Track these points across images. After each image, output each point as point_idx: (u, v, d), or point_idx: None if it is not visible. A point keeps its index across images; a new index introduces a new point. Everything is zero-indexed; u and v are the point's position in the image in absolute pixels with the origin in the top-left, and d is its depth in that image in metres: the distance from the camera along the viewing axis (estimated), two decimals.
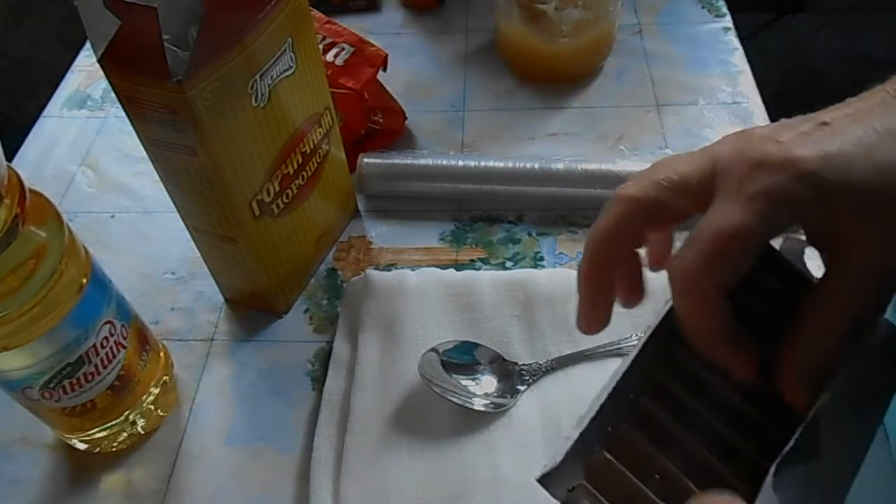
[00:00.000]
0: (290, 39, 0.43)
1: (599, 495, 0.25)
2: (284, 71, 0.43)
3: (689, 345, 0.28)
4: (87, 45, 0.72)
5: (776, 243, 0.30)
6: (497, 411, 0.44)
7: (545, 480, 0.26)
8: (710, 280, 0.26)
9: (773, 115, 0.30)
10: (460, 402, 0.44)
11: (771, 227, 0.25)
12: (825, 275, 0.27)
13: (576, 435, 0.26)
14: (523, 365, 0.46)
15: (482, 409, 0.44)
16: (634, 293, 0.31)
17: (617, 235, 0.28)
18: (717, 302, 0.26)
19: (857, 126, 0.25)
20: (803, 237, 0.28)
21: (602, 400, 0.28)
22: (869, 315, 0.26)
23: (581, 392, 0.43)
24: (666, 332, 0.29)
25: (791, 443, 0.27)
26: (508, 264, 0.53)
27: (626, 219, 0.28)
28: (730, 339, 0.27)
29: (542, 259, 0.54)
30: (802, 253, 0.31)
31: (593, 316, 0.30)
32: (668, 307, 0.30)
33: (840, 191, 0.25)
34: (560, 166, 0.55)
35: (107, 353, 0.41)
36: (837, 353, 0.26)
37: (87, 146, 0.65)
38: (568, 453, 0.26)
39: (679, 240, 0.28)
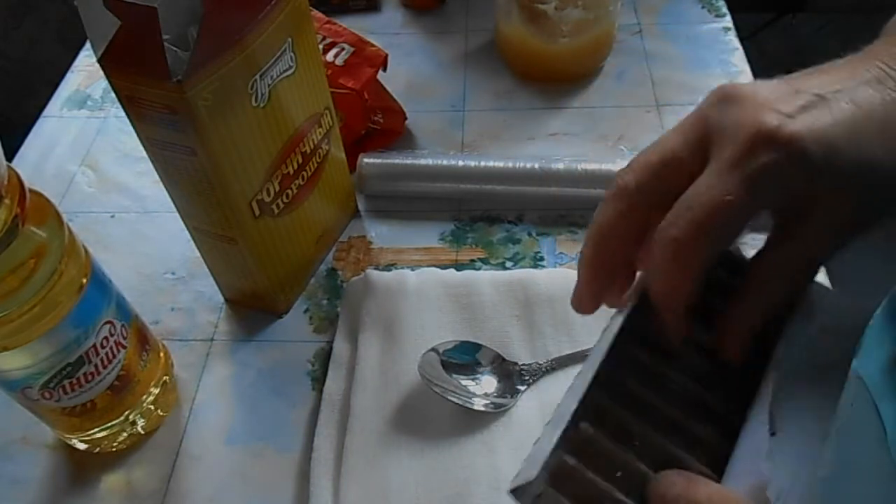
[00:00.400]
0: (290, 39, 0.43)
1: (565, 499, 0.25)
2: (284, 71, 0.43)
3: (643, 340, 0.29)
4: (87, 45, 0.72)
5: None
6: (497, 411, 0.44)
7: (517, 492, 0.26)
8: (700, 252, 0.26)
9: None
10: (460, 402, 0.44)
11: (762, 203, 0.26)
12: (781, 228, 0.27)
13: (547, 450, 0.26)
14: (523, 365, 0.46)
15: (482, 409, 0.44)
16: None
17: (621, 228, 0.28)
18: (699, 274, 0.26)
19: (846, 103, 0.26)
20: None
21: (569, 407, 0.28)
22: (814, 269, 0.28)
23: None
24: (620, 332, 0.29)
25: (750, 425, 0.27)
26: (508, 264, 0.53)
27: (629, 210, 0.28)
28: (688, 314, 0.27)
29: (542, 259, 0.54)
30: (740, 242, 0.32)
31: (590, 298, 0.30)
32: (625, 310, 0.30)
33: (824, 170, 0.25)
34: (560, 166, 0.55)
35: (107, 353, 0.41)
36: (778, 306, 0.28)
37: (87, 146, 0.65)
38: (541, 466, 0.26)
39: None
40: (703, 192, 0.25)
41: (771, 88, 0.27)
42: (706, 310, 0.30)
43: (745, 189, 0.25)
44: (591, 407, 0.28)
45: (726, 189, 0.25)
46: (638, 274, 0.32)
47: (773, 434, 0.27)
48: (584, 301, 0.30)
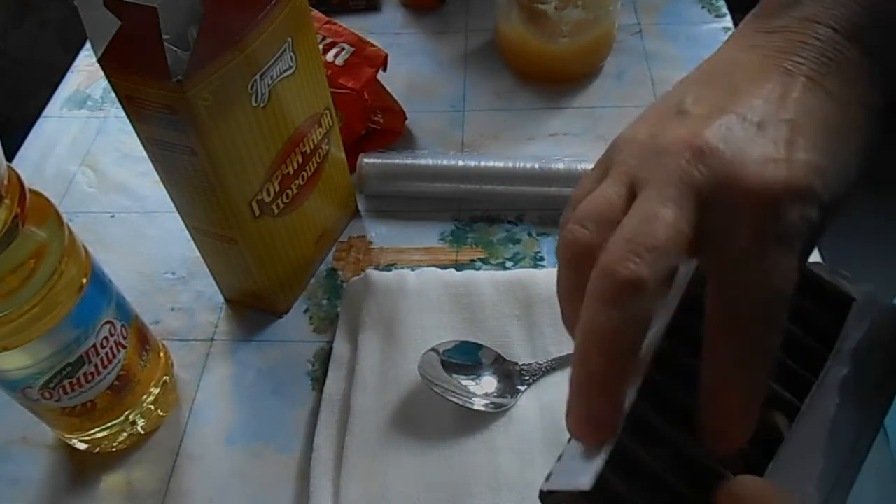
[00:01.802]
0: (290, 39, 0.43)
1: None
2: (284, 71, 0.43)
3: (682, 342, 0.28)
4: (87, 45, 0.72)
5: None
6: (497, 411, 0.44)
7: (550, 497, 0.25)
8: (771, 338, 0.23)
9: None
10: (460, 403, 0.44)
11: (805, 255, 0.24)
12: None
13: (600, 464, 0.25)
14: (523, 365, 0.46)
15: (482, 409, 0.44)
16: None
17: (639, 331, 0.23)
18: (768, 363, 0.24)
19: (811, 123, 0.24)
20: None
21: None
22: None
23: None
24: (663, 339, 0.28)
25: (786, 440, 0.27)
26: (508, 264, 0.53)
27: (645, 308, 0.23)
28: None
29: (542, 259, 0.54)
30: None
31: (610, 420, 0.24)
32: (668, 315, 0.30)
33: (828, 204, 0.24)
34: (560, 166, 0.55)
35: (107, 353, 0.41)
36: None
37: (87, 146, 0.65)
38: (594, 477, 0.25)
39: None
40: (765, 280, 0.22)
41: (735, 126, 0.24)
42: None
43: (794, 259, 0.22)
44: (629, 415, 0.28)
45: (783, 271, 0.22)
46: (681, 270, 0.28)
47: (805, 455, 0.26)
48: (600, 422, 0.24)
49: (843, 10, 0.26)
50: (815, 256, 0.51)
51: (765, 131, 0.24)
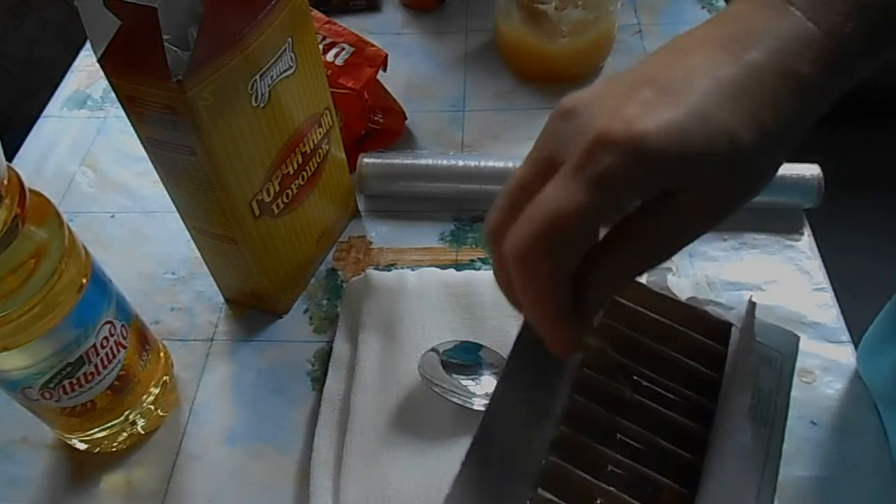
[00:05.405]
0: (290, 39, 0.43)
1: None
2: (284, 71, 0.43)
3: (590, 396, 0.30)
4: (87, 45, 0.72)
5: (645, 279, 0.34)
6: None
7: None
8: (548, 262, 0.25)
9: None
10: (460, 403, 0.44)
11: (613, 208, 0.25)
12: (644, 209, 0.26)
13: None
14: None
15: (482, 409, 0.44)
16: None
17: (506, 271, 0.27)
18: (555, 284, 0.25)
19: (698, 83, 0.25)
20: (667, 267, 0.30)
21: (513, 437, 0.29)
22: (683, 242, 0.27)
23: None
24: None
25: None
26: None
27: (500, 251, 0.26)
28: (564, 321, 0.26)
29: None
30: (665, 281, 0.34)
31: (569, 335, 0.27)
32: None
33: (676, 161, 0.24)
34: None
35: (107, 353, 0.41)
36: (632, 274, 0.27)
37: (87, 146, 0.65)
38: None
39: None
40: (546, 199, 0.24)
41: (613, 89, 0.26)
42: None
43: (588, 193, 0.23)
44: (558, 440, 0.29)
45: (568, 198, 0.24)
46: None
47: (721, 478, 0.28)
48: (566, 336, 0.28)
49: None
50: (815, 257, 0.51)
51: (641, 92, 0.25)
